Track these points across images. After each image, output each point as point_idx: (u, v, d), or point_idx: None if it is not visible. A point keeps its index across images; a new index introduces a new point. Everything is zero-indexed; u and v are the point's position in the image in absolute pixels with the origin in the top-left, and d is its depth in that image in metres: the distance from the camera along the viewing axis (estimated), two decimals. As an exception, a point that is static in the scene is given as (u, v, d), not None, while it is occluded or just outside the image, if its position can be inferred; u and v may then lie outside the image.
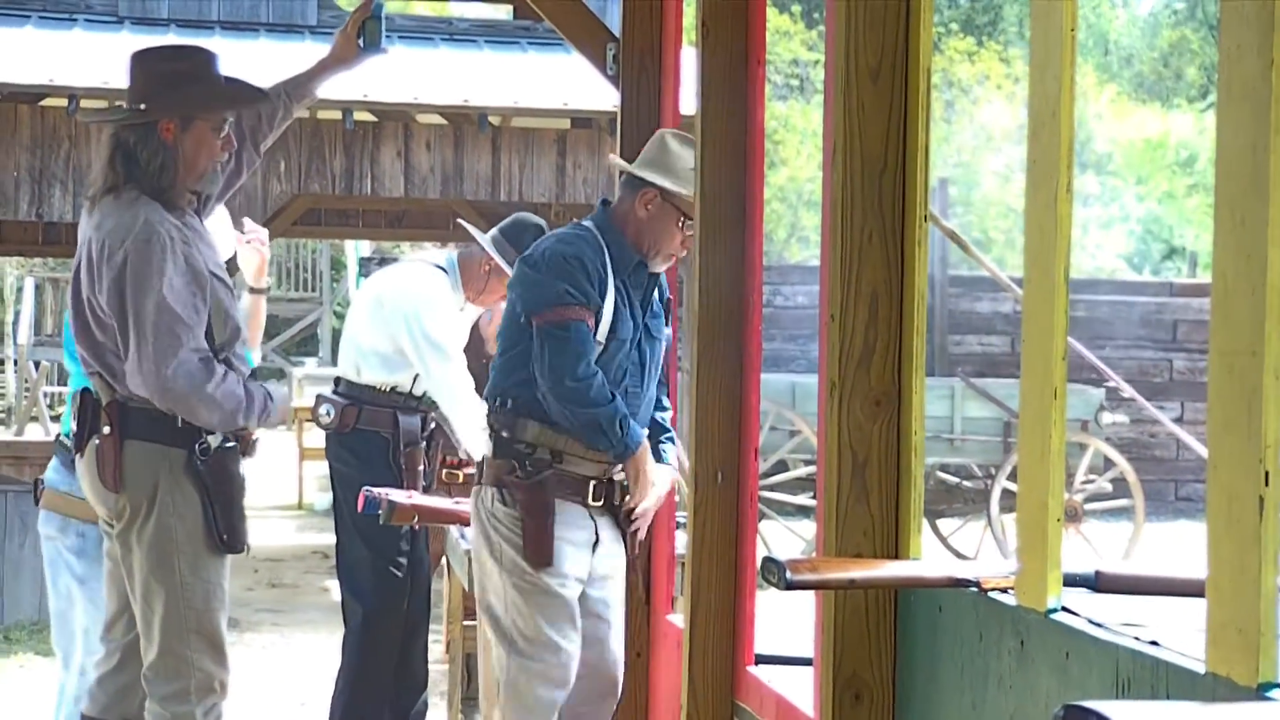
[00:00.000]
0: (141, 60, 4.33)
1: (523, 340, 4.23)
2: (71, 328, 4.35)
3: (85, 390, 4.32)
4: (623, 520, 4.37)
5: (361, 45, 4.57)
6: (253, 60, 9.26)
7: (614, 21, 5.06)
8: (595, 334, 4.20)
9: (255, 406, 4.28)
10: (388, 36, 4.60)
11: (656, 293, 4.44)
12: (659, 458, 4.44)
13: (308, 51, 10.18)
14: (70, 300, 4.36)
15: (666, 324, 4.47)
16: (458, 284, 6.04)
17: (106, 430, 4.22)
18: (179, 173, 4.24)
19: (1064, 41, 2.52)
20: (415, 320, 5.88)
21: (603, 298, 4.23)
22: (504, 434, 4.24)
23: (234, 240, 4.90)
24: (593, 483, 4.28)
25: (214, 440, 4.24)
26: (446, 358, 5.88)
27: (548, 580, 4.24)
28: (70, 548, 4.96)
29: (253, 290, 4.98)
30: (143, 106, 4.25)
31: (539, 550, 4.20)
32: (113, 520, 4.29)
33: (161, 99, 4.24)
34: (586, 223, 4.35)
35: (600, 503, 4.31)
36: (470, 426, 5.85)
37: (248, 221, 4.92)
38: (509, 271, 5.89)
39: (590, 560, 4.34)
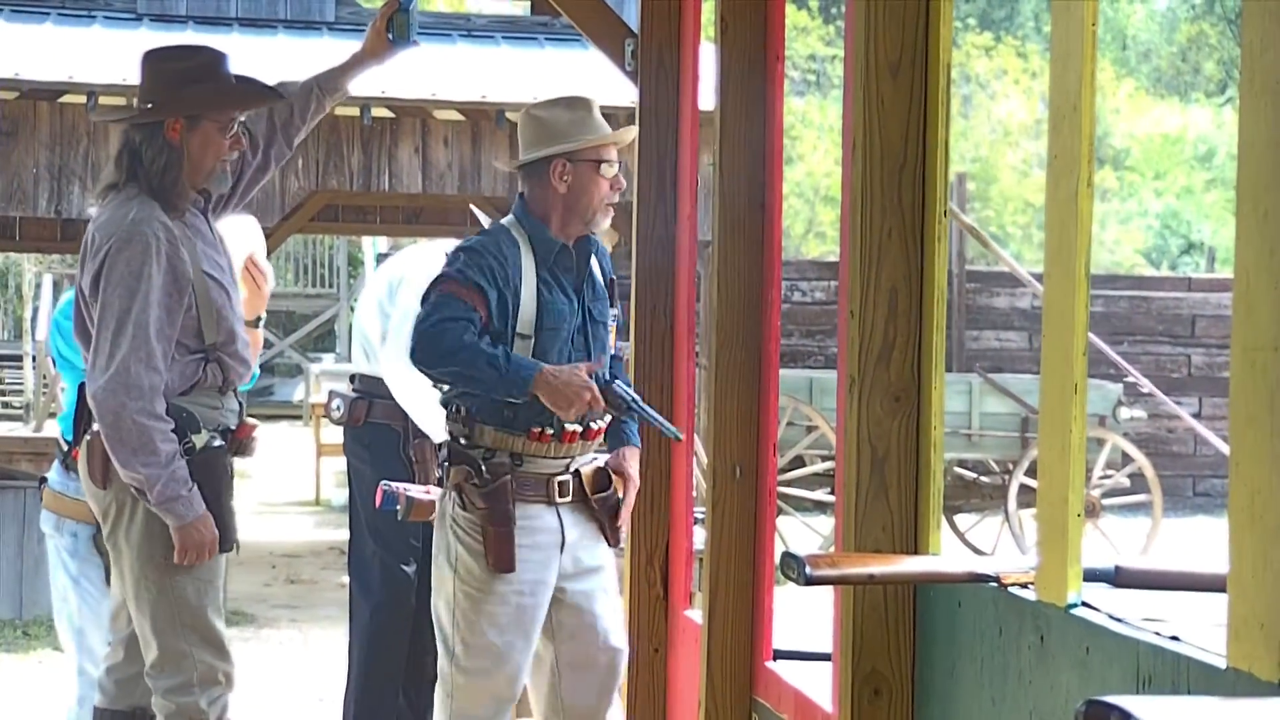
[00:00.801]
0: (150, 60, 4.34)
1: None
2: (73, 323, 4.36)
3: (82, 385, 4.33)
4: (600, 511, 4.26)
5: (391, 39, 4.57)
6: (270, 57, 9.28)
7: (632, 17, 5.07)
8: (490, 322, 4.08)
9: (160, 475, 4.11)
10: (420, 30, 4.59)
11: (599, 273, 4.31)
12: (624, 437, 4.34)
13: (326, 48, 10.19)
14: (74, 298, 4.38)
15: (612, 304, 4.34)
16: None
17: (97, 427, 4.22)
18: (183, 172, 4.24)
19: (1084, 36, 2.51)
20: (396, 287, 5.95)
21: (518, 289, 4.13)
22: (461, 440, 4.17)
23: (246, 252, 4.88)
24: (556, 480, 4.18)
25: (199, 440, 4.22)
26: (401, 328, 5.90)
27: (504, 588, 4.15)
28: (65, 547, 4.97)
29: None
30: (150, 106, 4.26)
31: (501, 557, 4.11)
32: (101, 519, 4.30)
33: (168, 98, 4.24)
34: (504, 220, 4.26)
35: (567, 499, 4.21)
36: (414, 405, 5.87)
37: (256, 255, 4.90)
38: None
39: (559, 560, 4.24)
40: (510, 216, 4.27)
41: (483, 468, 4.12)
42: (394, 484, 5.24)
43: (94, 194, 4.35)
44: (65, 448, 4.87)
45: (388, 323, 5.96)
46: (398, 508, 5.11)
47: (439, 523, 4.26)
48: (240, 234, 4.83)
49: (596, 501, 4.24)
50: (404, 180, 9.67)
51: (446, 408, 4.24)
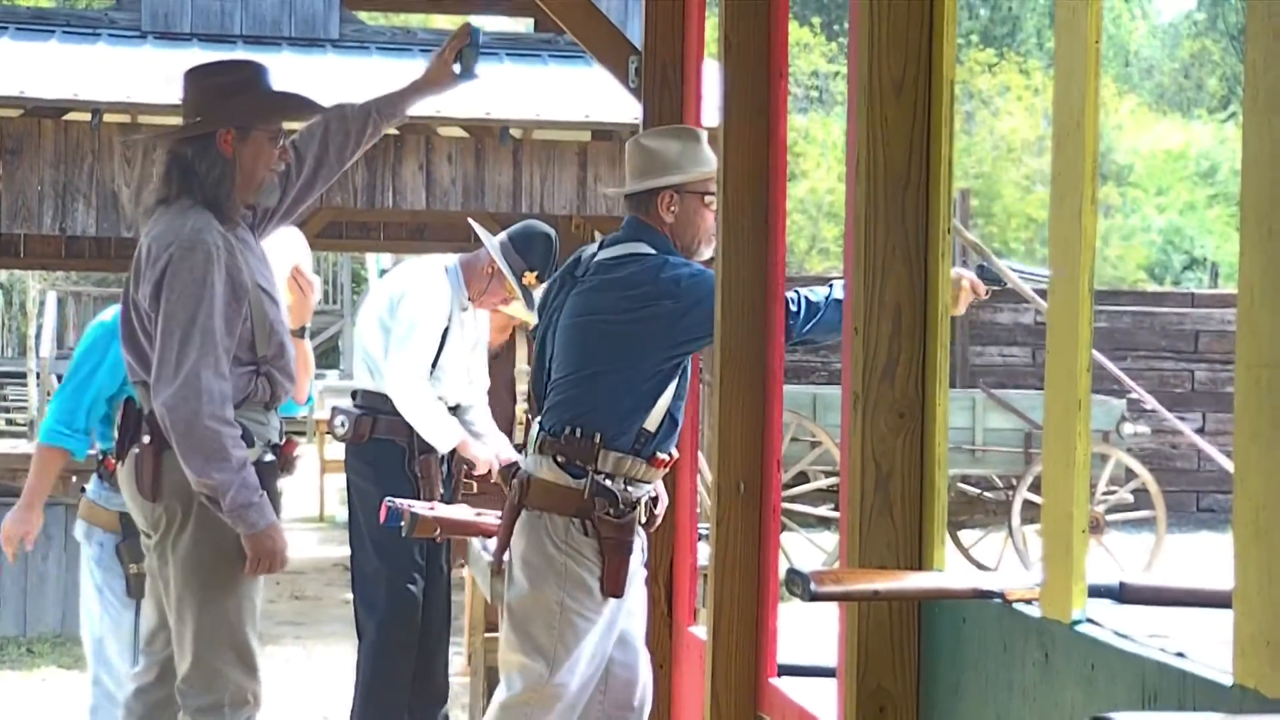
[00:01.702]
0: (193, 76, 4.37)
1: (617, 367, 4.17)
2: (120, 334, 4.36)
3: (129, 399, 4.34)
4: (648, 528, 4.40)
5: (457, 71, 4.58)
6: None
7: (635, 34, 5.07)
8: None
9: (233, 480, 4.11)
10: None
11: None
12: None
13: (330, 65, 10.21)
14: (120, 310, 4.38)
15: None
16: (459, 284, 6.07)
17: (147, 439, 4.22)
18: (236, 184, 4.26)
19: (1088, 53, 2.52)
20: (397, 302, 5.97)
21: None
22: (586, 466, 4.16)
23: (292, 262, 4.90)
24: (643, 503, 4.26)
25: (252, 454, 4.23)
26: (404, 343, 5.91)
27: (610, 612, 4.24)
28: (91, 556, 5.01)
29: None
30: (198, 120, 4.27)
31: (617, 584, 4.19)
32: (150, 530, 4.30)
33: (217, 110, 4.26)
34: (647, 249, 4.26)
35: (645, 520, 4.30)
36: (420, 419, 5.87)
37: (301, 265, 4.92)
38: (510, 278, 5.92)
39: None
40: (642, 244, 4.27)
41: (620, 500, 4.16)
42: (398, 500, 5.25)
43: (142, 211, 4.35)
44: (101, 457, 4.93)
45: (389, 337, 5.97)
46: (401, 524, 5.11)
47: (536, 541, 4.21)
48: (285, 244, 4.85)
49: (656, 519, 4.39)
50: (408, 197, 9.68)
51: (560, 429, 4.20)
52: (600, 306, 4.23)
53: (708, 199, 4.29)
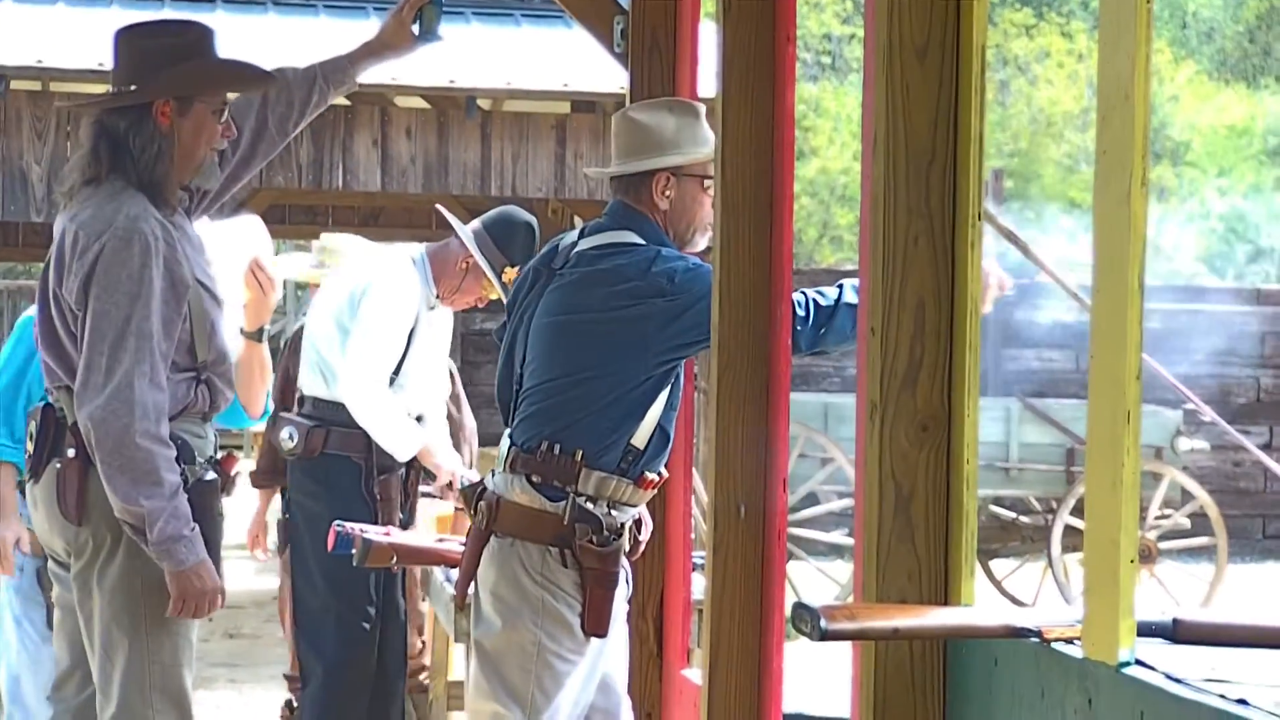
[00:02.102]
0: (130, 37, 4.33)
1: (601, 373, 4.17)
2: (35, 332, 4.35)
3: (47, 406, 4.32)
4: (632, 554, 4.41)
5: (417, 32, 4.58)
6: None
7: (621, -9, 5.08)
8: None
9: (163, 509, 4.10)
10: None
11: None
12: None
13: (270, 26, 10.20)
14: (37, 304, 4.36)
15: None
16: (427, 279, 6.02)
17: (71, 453, 4.21)
18: (174, 163, 4.25)
19: (1138, 13, 2.52)
20: (360, 297, 5.91)
21: None
22: (565, 487, 4.18)
23: (250, 254, 4.90)
24: (627, 528, 4.27)
25: (192, 473, 4.23)
26: (365, 344, 5.88)
27: (592, 651, 4.25)
28: (10, 583, 5.02)
29: (244, 334, 4.95)
30: (133, 88, 4.25)
31: (601, 622, 4.20)
32: (70, 557, 4.28)
33: (155, 78, 4.24)
34: (636, 238, 4.27)
35: (629, 547, 4.31)
36: (377, 425, 5.85)
37: (262, 257, 4.91)
38: (490, 274, 5.90)
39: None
40: (629, 232, 4.28)
41: (604, 527, 4.17)
42: (348, 524, 5.23)
43: (62, 193, 4.33)
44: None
45: (348, 339, 5.94)
46: (352, 552, 5.10)
47: (509, 573, 4.22)
48: (243, 235, 4.84)
49: (640, 545, 4.41)
50: (360, 177, 9.67)
51: (531, 449, 4.22)
52: (581, 304, 4.22)
53: (707, 183, 4.29)
